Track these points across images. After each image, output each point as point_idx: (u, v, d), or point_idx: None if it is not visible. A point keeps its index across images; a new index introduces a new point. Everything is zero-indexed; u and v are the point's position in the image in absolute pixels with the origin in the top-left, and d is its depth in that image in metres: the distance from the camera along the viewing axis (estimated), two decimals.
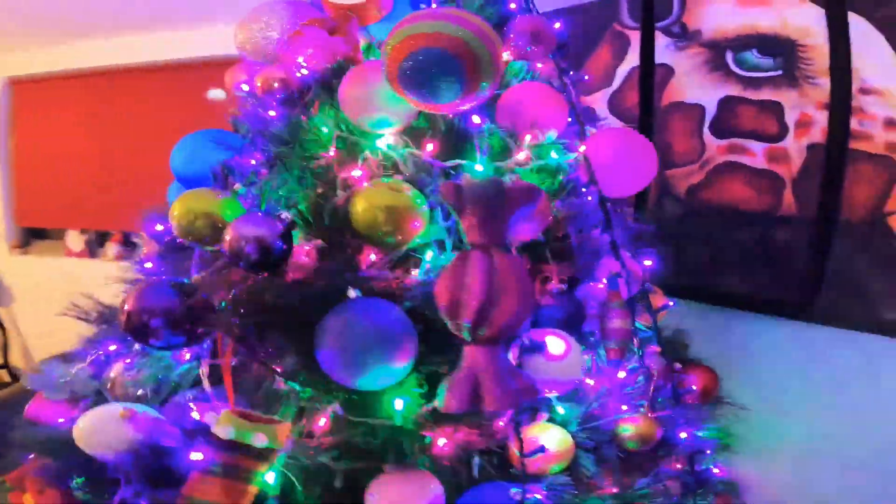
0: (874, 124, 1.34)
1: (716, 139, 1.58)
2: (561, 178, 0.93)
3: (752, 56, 1.49)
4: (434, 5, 1.04)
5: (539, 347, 0.85)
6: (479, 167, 0.87)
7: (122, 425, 0.75)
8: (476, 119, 0.90)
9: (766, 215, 1.50)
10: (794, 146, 1.45)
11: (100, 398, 0.92)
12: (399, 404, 0.77)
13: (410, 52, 0.78)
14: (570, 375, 0.89)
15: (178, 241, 0.82)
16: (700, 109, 1.60)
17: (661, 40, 1.66)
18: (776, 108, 1.46)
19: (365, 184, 0.83)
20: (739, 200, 1.54)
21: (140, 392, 0.88)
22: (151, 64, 2.90)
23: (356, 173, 0.84)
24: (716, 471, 1.12)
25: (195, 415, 0.79)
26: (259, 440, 0.68)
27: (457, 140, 0.90)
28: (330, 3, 0.93)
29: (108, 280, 0.95)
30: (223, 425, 0.68)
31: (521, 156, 0.90)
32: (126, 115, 3.02)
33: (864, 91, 1.35)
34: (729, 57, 1.53)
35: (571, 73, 1.21)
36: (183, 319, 0.71)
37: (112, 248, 3.15)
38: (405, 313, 0.78)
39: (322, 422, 0.77)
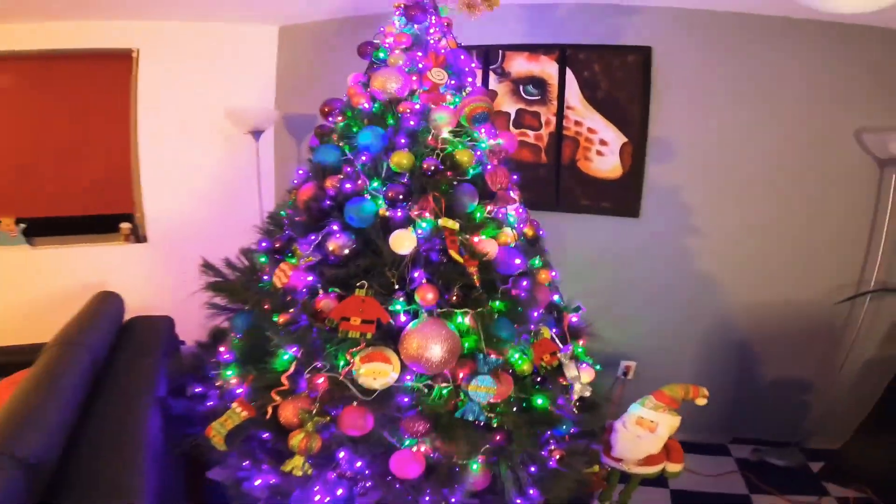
0: (569, 123, 3.15)
1: (514, 129, 3.19)
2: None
3: (531, 88, 3.12)
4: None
5: None
6: None
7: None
8: None
9: (536, 164, 3.21)
10: (545, 132, 3.18)
11: None
12: None
13: (479, 112, 2.06)
14: None
15: None
16: (507, 114, 3.18)
17: (492, 76, 3.14)
18: (537, 115, 3.15)
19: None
20: (525, 158, 3.22)
21: None
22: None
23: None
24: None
25: None
26: None
27: None
28: (432, 81, 2.04)
29: None
30: None
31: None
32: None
33: (568, 107, 3.14)
34: (520, 88, 3.13)
35: None
36: None
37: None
38: None
39: None
